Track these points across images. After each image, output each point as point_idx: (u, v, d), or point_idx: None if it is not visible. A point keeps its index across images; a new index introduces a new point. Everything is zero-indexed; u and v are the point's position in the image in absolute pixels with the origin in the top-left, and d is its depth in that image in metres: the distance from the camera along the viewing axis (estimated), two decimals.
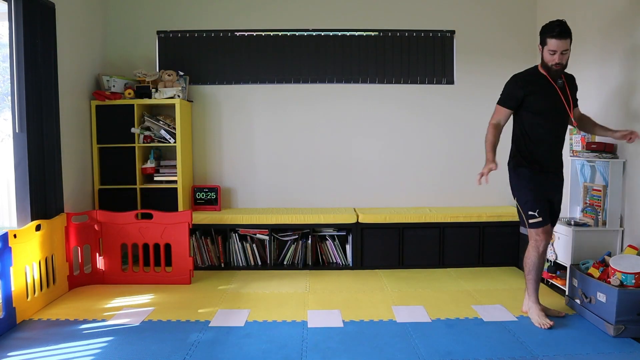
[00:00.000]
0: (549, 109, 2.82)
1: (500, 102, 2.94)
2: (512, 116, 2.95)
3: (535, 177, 2.88)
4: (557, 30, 2.65)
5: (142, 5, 4.38)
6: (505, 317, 2.99)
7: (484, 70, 4.44)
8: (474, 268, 4.14)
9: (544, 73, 2.82)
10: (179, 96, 4.08)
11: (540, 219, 2.82)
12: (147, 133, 4.08)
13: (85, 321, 2.93)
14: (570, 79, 2.96)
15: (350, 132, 4.49)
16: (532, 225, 2.85)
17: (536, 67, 2.89)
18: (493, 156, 2.88)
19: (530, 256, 2.90)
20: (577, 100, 2.99)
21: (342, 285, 3.68)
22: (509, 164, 3.04)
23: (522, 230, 4.07)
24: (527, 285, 2.94)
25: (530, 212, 2.83)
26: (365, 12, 4.42)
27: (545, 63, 2.76)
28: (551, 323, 2.80)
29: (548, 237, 2.89)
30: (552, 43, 2.68)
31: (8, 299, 2.80)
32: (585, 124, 3.05)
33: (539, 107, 2.82)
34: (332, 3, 4.41)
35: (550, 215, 2.94)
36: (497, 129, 2.94)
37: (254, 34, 4.44)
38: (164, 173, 4.17)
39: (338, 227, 4.21)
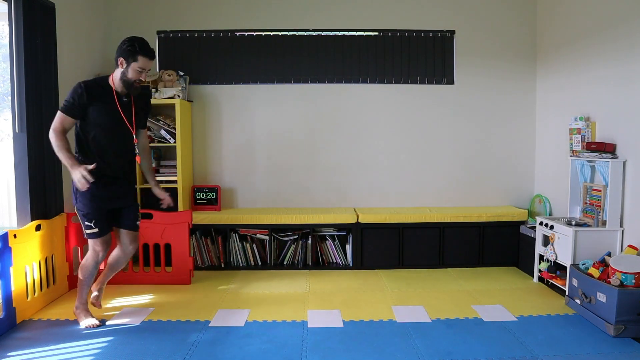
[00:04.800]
0: (114, 124, 2.77)
1: (64, 111, 2.66)
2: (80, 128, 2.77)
3: (99, 190, 2.78)
4: (149, 49, 2.69)
5: (142, 5, 4.39)
6: (505, 317, 2.99)
7: (484, 70, 4.44)
8: (474, 268, 4.14)
9: (113, 86, 2.75)
10: (179, 96, 4.08)
11: (97, 229, 2.80)
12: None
13: None
14: (144, 97, 2.96)
15: (350, 131, 4.49)
16: (89, 236, 2.82)
17: (105, 78, 2.79)
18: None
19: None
20: (145, 121, 3.01)
21: (342, 285, 3.68)
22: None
23: (522, 229, 4.07)
24: (81, 290, 2.91)
25: (87, 223, 2.78)
26: (365, 12, 4.42)
27: (129, 79, 2.70)
28: (98, 323, 2.85)
29: (107, 246, 2.91)
30: (143, 61, 2.67)
31: (8, 299, 2.80)
32: (142, 162, 3.07)
33: (102, 118, 2.72)
34: (332, 3, 4.41)
35: (120, 220, 2.92)
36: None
37: (254, 34, 4.44)
38: (164, 173, 4.17)
39: (338, 227, 4.21)
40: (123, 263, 3.05)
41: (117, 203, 2.90)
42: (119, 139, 2.82)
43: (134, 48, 2.65)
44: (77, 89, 2.66)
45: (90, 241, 2.84)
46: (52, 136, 2.63)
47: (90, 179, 2.53)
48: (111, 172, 2.83)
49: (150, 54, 2.69)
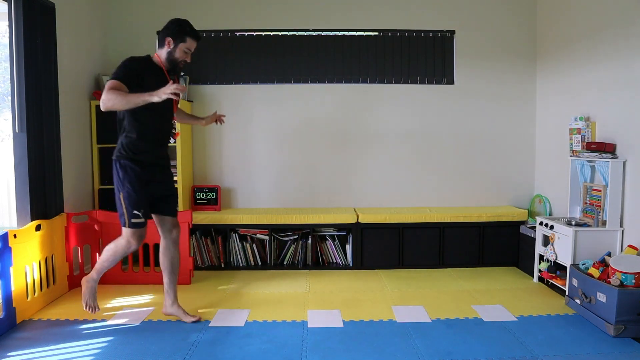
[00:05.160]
0: (165, 110, 2.76)
1: (119, 79, 2.53)
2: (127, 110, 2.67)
3: (146, 174, 2.75)
4: (196, 32, 2.75)
5: (142, 5, 4.38)
6: (505, 317, 2.99)
7: (484, 70, 4.44)
8: (474, 268, 4.14)
9: (161, 65, 2.74)
10: None
11: (142, 219, 2.74)
12: None
13: (85, 321, 2.93)
14: (178, 78, 2.97)
15: (350, 131, 4.49)
16: (134, 225, 2.73)
17: (149, 56, 2.76)
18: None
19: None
20: None
21: (342, 285, 3.68)
22: (114, 156, 2.75)
23: (522, 229, 4.07)
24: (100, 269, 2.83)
25: (135, 212, 2.70)
26: (365, 12, 4.42)
27: (175, 59, 2.72)
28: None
29: (142, 240, 2.83)
30: (190, 42, 2.73)
31: (8, 299, 2.80)
32: (179, 115, 3.13)
33: (156, 106, 2.60)
34: (332, 3, 4.41)
35: (162, 208, 2.87)
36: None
37: (254, 34, 4.44)
38: None
39: (338, 227, 4.21)
40: (174, 252, 2.95)
41: (161, 189, 2.85)
42: (165, 120, 2.81)
43: (182, 29, 2.70)
44: (131, 60, 2.63)
45: (128, 232, 2.73)
46: (108, 97, 2.44)
47: (181, 86, 2.44)
48: (155, 156, 2.79)
49: (197, 36, 2.75)
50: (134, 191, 2.69)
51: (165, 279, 2.94)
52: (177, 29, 2.70)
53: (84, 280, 2.87)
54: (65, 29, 3.65)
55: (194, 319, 2.91)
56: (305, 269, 4.12)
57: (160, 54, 2.75)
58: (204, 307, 3.18)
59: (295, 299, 3.36)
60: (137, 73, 2.59)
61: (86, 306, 2.85)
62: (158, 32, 4.39)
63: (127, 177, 2.69)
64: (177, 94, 2.40)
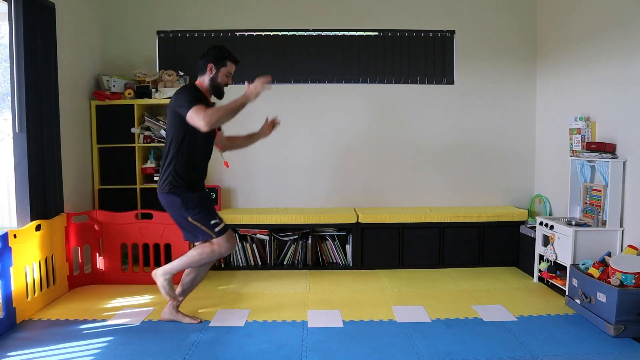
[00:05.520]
0: (211, 133, 2.79)
1: (198, 103, 2.61)
2: (169, 139, 2.74)
3: (201, 193, 2.84)
4: (234, 55, 2.86)
5: (142, 5, 4.38)
6: (505, 317, 2.99)
7: (484, 70, 4.44)
8: (474, 268, 4.14)
9: (205, 93, 2.80)
10: None
11: (224, 223, 2.81)
12: (147, 133, 4.08)
13: (85, 321, 2.93)
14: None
15: (350, 131, 4.49)
16: (222, 231, 2.80)
17: (195, 84, 2.82)
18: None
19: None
20: None
21: (342, 285, 3.68)
22: (164, 189, 2.73)
23: (522, 229, 4.07)
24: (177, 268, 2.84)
25: (215, 221, 2.78)
26: (365, 12, 4.42)
27: (218, 83, 2.81)
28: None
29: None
30: (230, 66, 2.84)
31: (8, 299, 2.80)
32: (235, 142, 3.13)
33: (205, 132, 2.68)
34: (332, 3, 4.41)
35: None
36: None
37: (254, 34, 4.44)
38: None
39: (338, 227, 4.21)
40: (203, 271, 2.98)
41: None
42: (210, 145, 2.87)
43: (222, 54, 2.82)
44: (189, 88, 2.73)
45: (219, 240, 2.78)
46: (206, 114, 2.51)
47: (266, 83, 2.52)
48: (200, 181, 2.87)
49: (236, 60, 2.87)
50: (200, 209, 2.75)
51: (181, 288, 2.94)
52: (218, 55, 2.81)
53: (155, 275, 2.85)
54: (65, 29, 3.65)
55: (194, 321, 2.92)
56: (305, 269, 4.12)
57: (203, 81, 2.82)
58: (204, 307, 3.18)
59: (295, 299, 3.36)
60: (199, 98, 2.67)
61: (167, 297, 2.87)
62: (158, 32, 4.39)
63: (188, 202, 2.73)
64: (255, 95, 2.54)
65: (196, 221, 2.74)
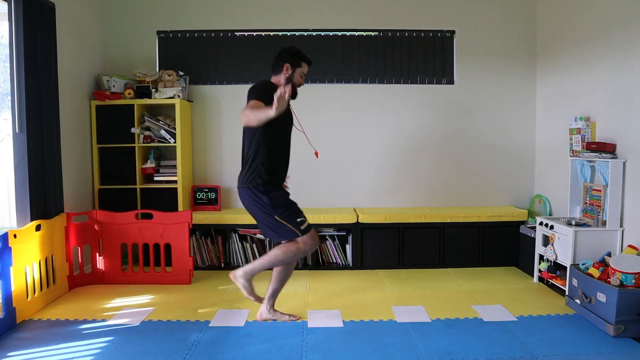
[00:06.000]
0: (287, 126, 2.86)
1: (259, 99, 2.63)
2: (249, 135, 2.77)
3: (285, 191, 2.88)
4: (308, 57, 2.91)
5: (142, 5, 4.38)
6: (505, 317, 2.99)
7: (484, 70, 4.44)
8: (474, 268, 4.14)
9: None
10: (179, 96, 4.08)
11: (306, 220, 2.81)
12: (147, 133, 4.08)
13: (85, 321, 2.93)
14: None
15: (350, 131, 4.49)
16: (307, 228, 2.79)
17: (271, 81, 2.86)
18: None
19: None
20: None
21: (342, 285, 3.68)
22: (250, 184, 2.75)
23: (522, 229, 4.07)
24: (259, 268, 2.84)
25: (300, 219, 2.78)
26: (365, 12, 4.42)
27: (294, 83, 2.85)
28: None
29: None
30: (305, 67, 2.89)
31: (8, 299, 2.80)
32: None
33: (282, 124, 2.78)
34: (332, 3, 4.41)
35: None
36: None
37: (254, 34, 4.44)
38: (164, 173, 4.17)
39: (338, 227, 4.20)
40: (292, 266, 3.00)
41: None
42: (288, 136, 2.89)
43: (298, 55, 2.87)
44: (262, 82, 2.77)
45: (304, 238, 2.76)
46: (246, 114, 2.53)
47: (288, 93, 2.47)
48: (284, 176, 2.88)
49: (309, 61, 2.91)
50: (286, 207, 2.77)
51: (273, 287, 2.95)
52: (294, 56, 2.86)
53: (235, 277, 2.86)
54: (65, 29, 3.65)
55: (294, 318, 2.96)
56: (305, 269, 4.12)
57: (279, 80, 2.85)
58: (204, 307, 3.18)
59: (295, 299, 3.36)
60: (269, 94, 2.63)
61: (251, 297, 2.88)
62: (158, 32, 4.39)
63: (274, 201, 2.74)
64: (280, 100, 2.44)
65: (283, 219, 2.74)
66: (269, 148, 2.74)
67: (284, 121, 2.77)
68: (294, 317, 2.97)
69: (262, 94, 2.65)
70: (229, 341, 2.66)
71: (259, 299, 2.92)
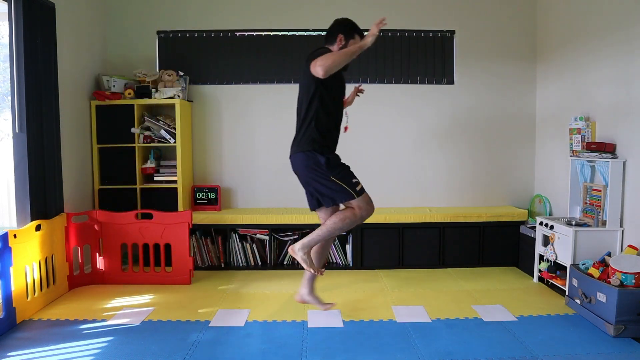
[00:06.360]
0: (341, 94, 2.87)
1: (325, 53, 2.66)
2: (304, 101, 2.77)
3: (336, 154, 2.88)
4: (361, 29, 2.89)
5: (142, 5, 4.39)
6: (505, 317, 2.99)
7: (484, 70, 4.44)
8: (474, 268, 4.14)
9: None
10: (179, 96, 4.08)
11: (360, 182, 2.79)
12: (147, 133, 4.08)
13: (85, 321, 2.93)
14: None
15: (350, 131, 4.48)
16: (362, 190, 2.77)
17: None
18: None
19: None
20: None
21: (342, 285, 3.68)
22: (306, 147, 2.77)
23: (522, 229, 4.07)
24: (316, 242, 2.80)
25: (355, 180, 2.77)
26: (365, 12, 4.41)
27: None
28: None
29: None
30: (358, 39, 2.86)
31: (8, 299, 2.80)
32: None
33: (337, 90, 2.82)
34: (332, 3, 4.41)
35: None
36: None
37: (254, 34, 4.44)
38: (164, 173, 4.17)
39: None
40: (330, 242, 3.04)
41: None
42: (341, 108, 2.89)
43: (352, 26, 2.86)
44: (324, 48, 2.79)
45: (360, 200, 2.72)
46: (325, 58, 2.53)
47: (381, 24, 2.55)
48: (336, 143, 2.88)
49: (362, 32, 2.86)
50: (342, 167, 2.76)
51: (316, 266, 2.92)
52: (348, 27, 2.85)
53: (294, 251, 2.80)
54: (65, 29, 3.65)
55: (328, 307, 2.95)
56: None
57: (332, 50, 2.82)
58: (204, 307, 3.18)
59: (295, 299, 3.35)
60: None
61: (311, 270, 2.82)
62: (158, 32, 4.39)
63: (330, 161, 2.73)
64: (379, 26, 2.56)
65: (339, 180, 2.70)
66: (325, 112, 2.73)
67: (340, 87, 2.81)
68: (329, 306, 2.96)
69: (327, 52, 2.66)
70: (229, 341, 2.66)
71: (320, 271, 2.85)
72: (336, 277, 3.92)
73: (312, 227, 4.14)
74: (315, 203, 2.85)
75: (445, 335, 2.74)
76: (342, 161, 2.83)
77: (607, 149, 3.26)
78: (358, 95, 3.28)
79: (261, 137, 4.48)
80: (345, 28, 2.84)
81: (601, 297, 2.78)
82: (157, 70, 4.35)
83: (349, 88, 4.41)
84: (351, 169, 2.81)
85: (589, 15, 3.60)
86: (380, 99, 4.45)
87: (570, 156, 3.62)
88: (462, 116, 4.48)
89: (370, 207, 2.77)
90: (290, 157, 2.87)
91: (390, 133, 4.49)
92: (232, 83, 4.45)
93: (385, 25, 2.60)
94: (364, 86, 3.26)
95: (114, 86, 4.08)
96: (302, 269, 4.11)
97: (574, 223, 3.34)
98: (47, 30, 3.31)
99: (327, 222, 2.77)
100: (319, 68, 2.52)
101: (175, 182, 4.11)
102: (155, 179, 4.17)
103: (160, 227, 3.64)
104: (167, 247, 3.70)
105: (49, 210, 3.31)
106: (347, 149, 4.48)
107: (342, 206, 2.83)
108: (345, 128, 3.07)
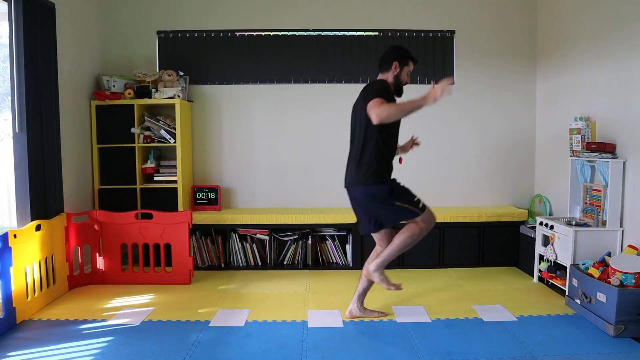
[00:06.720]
0: (398, 123, 2.90)
1: (382, 97, 2.68)
2: (363, 132, 2.81)
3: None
4: (414, 56, 2.95)
5: (142, 5, 4.39)
6: (505, 317, 2.99)
7: (484, 70, 4.44)
8: (474, 268, 4.14)
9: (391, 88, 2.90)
10: (179, 96, 4.08)
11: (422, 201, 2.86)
12: (147, 133, 4.08)
13: (85, 321, 2.93)
14: None
15: (349, 131, 4.48)
16: (423, 207, 2.82)
17: (383, 80, 2.90)
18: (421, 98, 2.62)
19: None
20: None
21: (342, 285, 3.68)
22: (369, 181, 2.78)
23: (522, 229, 4.07)
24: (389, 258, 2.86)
25: (417, 199, 2.83)
26: (365, 12, 4.42)
27: (400, 81, 2.90)
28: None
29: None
30: (412, 65, 2.93)
31: (8, 299, 2.80)
32: None
33: (395, 122, 2.84)
34: (332, 3, 4.41)
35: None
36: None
37: (254, 34, 4.44)
38: (164, 173, 4.17)
39: (338, 227, 4.20)
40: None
41: None
42: (396, 138, 2.93)
43: (406, 54, 2.90)
44: (381, 81, 2.84)
45: (424, 216, 2.79)
46: (382, 109, 2.56)
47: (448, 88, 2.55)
48: (392, 170, 2.91)
49: (416, 60, 2.96)
50: (403, 191, 2.81)
51: (363, 285, 2.99)
52: (402, 54, 2.89)
53: (370, 273, 2.86)
54: (65, 29, 3.65)
55: (382, 316, 3.01)
56: (305, 269, 4.12)
57: (387, 78, 2.89)
58: (204, 307, 3.18)
59: (295, 299, 3.36)
60: (390, 93, 2.77)
61: (391, 287, 2.87)
62: (158, 32, 4.39)
63: (395, 189, 2.79)
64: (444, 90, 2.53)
65: (404, 203, 2.77)
66: (384, 142, 2.79)
67: (397, 128, 2.89)
68: (382, 315, 3.02)
69: (382, 92, 2.71)
70: (229, 341, 2.66)
71: (398, 287, 2.89)
72: (336, 277, 3.92)
73: (313, 227, 4.16)
74: (373, 227, 2.89)
75: (445, 335, 2.74)
76: (399, 181, 2.88)
77: (607, 149, 3.25)
78: (412, 148, 3.30)
79: (261, 137, 4.48)
80: (400, 55, 2.88)
81: (601, 297, 2.78)
82: (157, 70, 4.35)
83: (350, 88, 4.44)
84: (409, 189, 2.87)
85: (589, 15, 3.60)
86: None
87: (570, 156, 3.62)
88: (462, 116, 4.48)
89: (433, 218, 2.85)
90: (348, 187, 2.90)
91: None
92: (232, 83, 4.45)
93: (450, 92, 2.59)
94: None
95: (114, 86, 4.08)
96: (302, 269, 4.12)
97: (574, 223, 3.34)
98: (47, 30, 3.31)
99: (395, 240, 2.84)
100: (374, 116, 2.60)
101: (175, 182, 4.11)
102: (155, 179, 4.17)
103: (160, 227, 3.64)
104: (167, 247, 3.71)
105: (49, 210, 3.31)
106: (347, 150, 4.49)
107: None
108: (400, 160, 3.09)
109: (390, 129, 2.83)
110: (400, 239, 2.81)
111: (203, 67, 4.43)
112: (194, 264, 3.84)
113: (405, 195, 2.81)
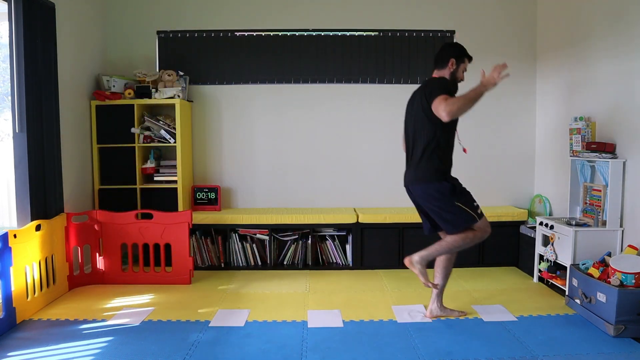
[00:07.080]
0: (456, 120, 2.88)
1: (446, 93, 2.69)
2: (424, 131, 2.79)
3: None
4: (469, 53, 2.95)
5: (142, 5, 4.38)
6: (505, 317, 2.99)
7: (483, 70, 4.43)
8: (474, 268, 4.14)
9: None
10: (179, 96, 4.08)
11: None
12: (147, 133, 4.08)
13: (85, 321, 2.93)
14: None
15: (350, 131, 4.49)
16: (481, 214, 2.82)
17: (442, 77, 2.90)
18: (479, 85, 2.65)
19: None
20: None
21: (342, 285, 3.68)
22: (432, 179, 2.79)
23: (522, 229, 4.07)
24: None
25: (476, 204, 2.83)
26: (365, 12, 4.42)
27: (457, 78, 2.91)
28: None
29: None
30: (467, 62, 2.95)
31: (8, 299, 2.80)
32: None
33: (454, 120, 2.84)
34: (332, 3, 4.41)
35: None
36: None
37: (254, 34, 4.44)
38: (164, 173, 4.17)
39: (338, 227, 4.20)
40: (454, 257, 3.02)
41: None
42: (454, 133, 2.91)
43: (463, 51, 2.91)
44: (440, 78, 2.84)
45: (481, 223, 2.79)
46: (451, 103, 2.57)
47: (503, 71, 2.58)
48: (451, 168, 2.90)
49: (471, 57, 2.97)
50: (464, 192, 2.80)
51: (442, 282, 2.99)
52: (459, 51, 2.90)
53: (412, 262, 2.84)
54: (65, 29, 3.65)
55: (461, 316, 3.01)
56: (305, 269, 4.12)
57: (444, 75, 2.89)
58: (204, 307, 3.18)
59: (295, 299, 3.36)
60: (451, 89, 2.78)
61: (428, 284, 2.87)
62: (158, 32, 4.38)
63: (456, 188, 2.78)
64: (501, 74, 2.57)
65: (463, 204, 2.75)
66: (445, 140, 2.79)
67: (455, 125, 2.88)
68: (462, 314, 3.02)
69: (445, 89, 2.71)
70: (229, 341, 2.66)
71: (435, 285, 2.91)
72: (336, 277, 3.92)
73: (313, 227, 4.16)
74: (430, 228, 2.92)
75: (445, 335, 2.74)
76: (460, 183, 2.87)
77: (607, 149, 3.25)
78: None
79: (261, 137, 4.48)
80: (457, 52, 2.89)
81: (601, 297, 2.78)
82: (157, 70, 4.35)
83: (350, 88, 4.44)
84: (470, 193, 2.86)
85: (589, 15, 3.60)
86: (380, 99, 4.45)
87: (570, 156, 3.62)
88: (461, 116, 4.46)
89: (488, 230, 2.83)
90: (409, 186, 2.91)
91: (390, 133, 4.48)
92: (232, 83, 4.45)
93: (507, 75, 2.61)
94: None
95: (114, 86, 4.08)
96: (302, 269, 4.12)
97: (574, 223, 3.34)
98: (47, 30, 3.31)
99: (447, 238, 2.83)
100: (443, 113, 2.59)
101: (175, 182, 4.11)
102: (155, 179, 4.17)
103: (160, 227, 3.64)
104: (167, 247, 3.71)
105: (49, 210, 3.31)
106: (347, 150, 4.50)
107: None
108: (464, 150, 3.07)
109: (451, 126, 2.81)
110: (453, 239, 2.80)
111: (203, 67, 4.43)
112: (194, 264, 3.84)
113: (466, 196, 2.79)
